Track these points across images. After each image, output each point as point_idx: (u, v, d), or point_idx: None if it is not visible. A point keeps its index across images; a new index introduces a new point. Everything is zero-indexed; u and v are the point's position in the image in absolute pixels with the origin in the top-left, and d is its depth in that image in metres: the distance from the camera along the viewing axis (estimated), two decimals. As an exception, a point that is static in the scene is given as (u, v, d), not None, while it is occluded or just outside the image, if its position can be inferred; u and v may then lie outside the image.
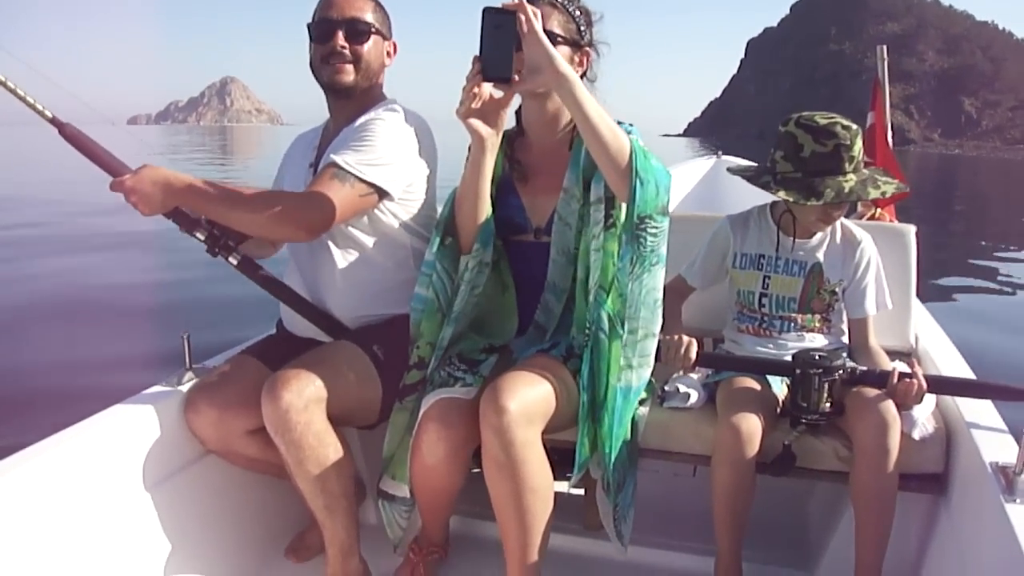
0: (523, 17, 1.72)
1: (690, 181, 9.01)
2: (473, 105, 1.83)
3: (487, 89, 1.81)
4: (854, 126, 2.17)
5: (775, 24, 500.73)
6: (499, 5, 1.73)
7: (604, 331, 1.99)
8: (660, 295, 1.99)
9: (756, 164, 2.41)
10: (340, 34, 2.17)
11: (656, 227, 1.93)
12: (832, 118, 2.17)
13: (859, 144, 2.17)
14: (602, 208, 2.01)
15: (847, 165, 2.15)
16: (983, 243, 15.09)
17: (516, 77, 1.79)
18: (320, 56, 2.20)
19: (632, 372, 1.98)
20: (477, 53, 1.76)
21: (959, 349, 2.56)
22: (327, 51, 2.18)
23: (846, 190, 2.14)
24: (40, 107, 1.95)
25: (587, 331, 2.00)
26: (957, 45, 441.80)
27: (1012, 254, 13.11)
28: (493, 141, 1.94)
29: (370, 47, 2.21)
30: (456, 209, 2.10)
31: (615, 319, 1.97)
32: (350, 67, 2.19)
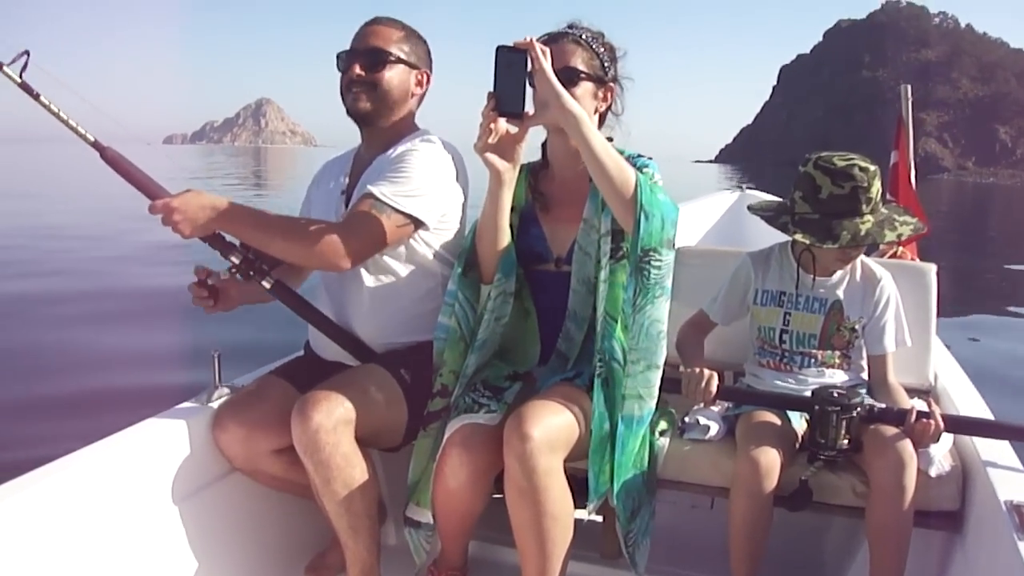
0: (533, 55, 1.82)
1: (714, 215, 9.00)
2: (490, 140, 1.91)
3: (502, 124, 1.89)
4: (872, 167, 2.19)
5: (808, 51, 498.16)
6: (511, 44, 1.83)
7: (618, 361, 2.03)
8: (664, 327, 2.02)
9: (779, 200, 2.43)
10: (358, 64, 2.23)
11: (660, 260, 1.97)
12: (850, 159, 2.19)
13: (877, 185, 2.20)
14: (610, 240, 2.06)
15: (864, 207, 2.17)
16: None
17: (529, 112, 1.88)
18: (343, 85, 2.27)
19: (635, 403, 2.01)
20: (491, 89, 1.85)
21: (977, 385, 2.57)
22: (346, 80, 2.26)
23: (862, 232, 2.17)
24: (83, 131, 2.02)
25: (601, 361, 2.03)
26: (992, 73, 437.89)
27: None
28: (510, 175, 2.00)
29: (391, 76, 2.25)
30: (477, 241, 2.16)
31: (626, 349, 2.01)
32: (367, 95, 2.25)
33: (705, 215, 8.76)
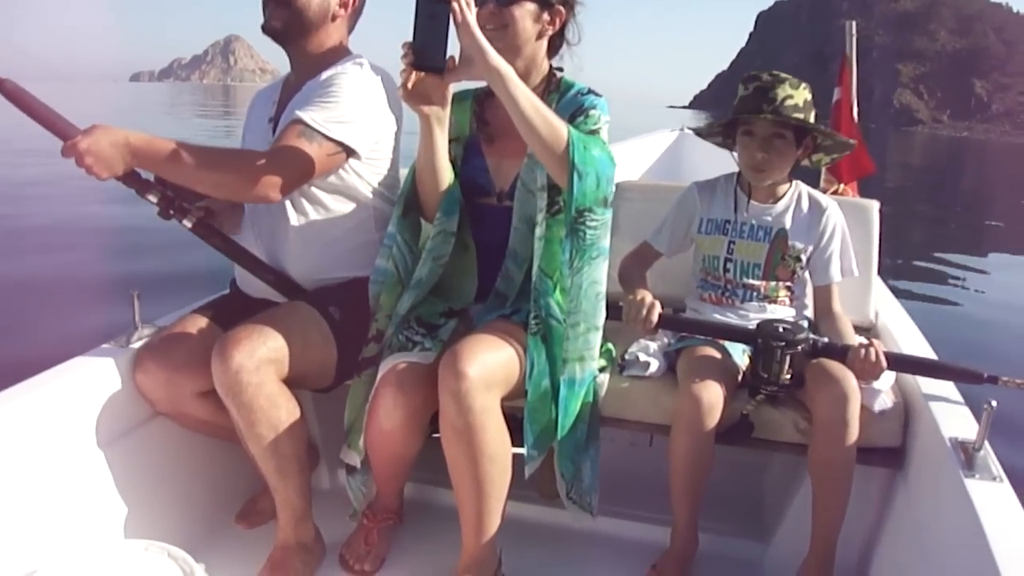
0: (456, 7, 1.70)
1: (654, 153, 9.07)
2: (411, 87, 1.80)
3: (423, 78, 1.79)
4: (787, 77, 2.18)
5: None
6: None
7: (556, 319, 1.99)
8: (602, 288, 1.97)
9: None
10: None
11: (596, 220, 1.90)
12: (772, 73, 2.20)
13: (786, 92, 2.15)
14: (546, 195, 1.97)
15: (765, 106, 2.15)
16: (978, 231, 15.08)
17: (449, 65, 1.78)
18: (262, 1, 2.14)
19: (576, 365, 1.96)
20: (410, 40, 1.73)
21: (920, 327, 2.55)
22: None
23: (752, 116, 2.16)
24: None
25: (537, 317, 1.97)
26: (970, 25, 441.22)
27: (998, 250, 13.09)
28: (439, 115, 1.91)
29: None
30: (417, 182, 2.07)
31: (565, 311, 1.95)
32: (280, 12, 2.11)
33: (646, 153, 8.86)
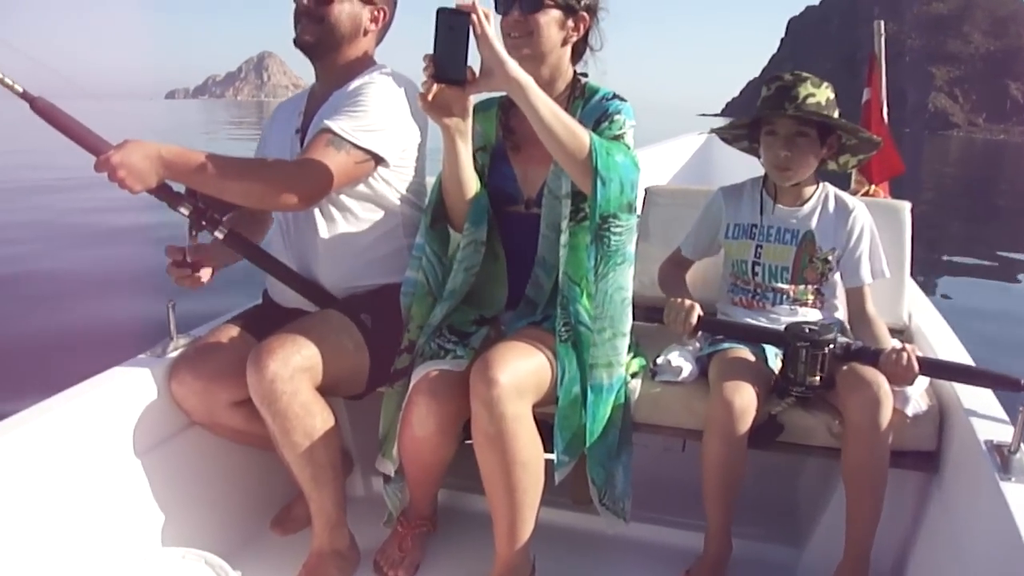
0: (475, 19, 1.71)
1: (682, 157, 9.02)
2: (431, 98, 1.80)
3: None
4: (808, 76, 2.18)
5: (816, 2, 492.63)
6: (453, 6, 1.72)
7: (585, 325, 1.99)
8: (628, 294, 1.98)
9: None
10: None
11: (621, 226, 1.91)
12: (794, 72, 2.20)
13: (808, 91, 2.15)
14: (570, 202, 1.98)
15: (787, 104, 2.14)
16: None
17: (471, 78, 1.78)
18: (293, 16, 2.17)
19: (604, 371, 1.96)
20: (431, 52, 1.74)
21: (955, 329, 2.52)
22: (296, 11, 2.16)
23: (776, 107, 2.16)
24: (10, 81, 1.85)
25: (566, 324, 1.98)
26: (1004, 27, 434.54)
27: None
28: (460, 127, 1.91)
29: (340, 10, 2.14)
30: (443, 193, 2.08)
31: (592, 317, 1.96)
32: (313, 27, 2.14)
33: (674, 157, 8.82)
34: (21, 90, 1.87)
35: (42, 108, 1.89)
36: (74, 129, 1.91)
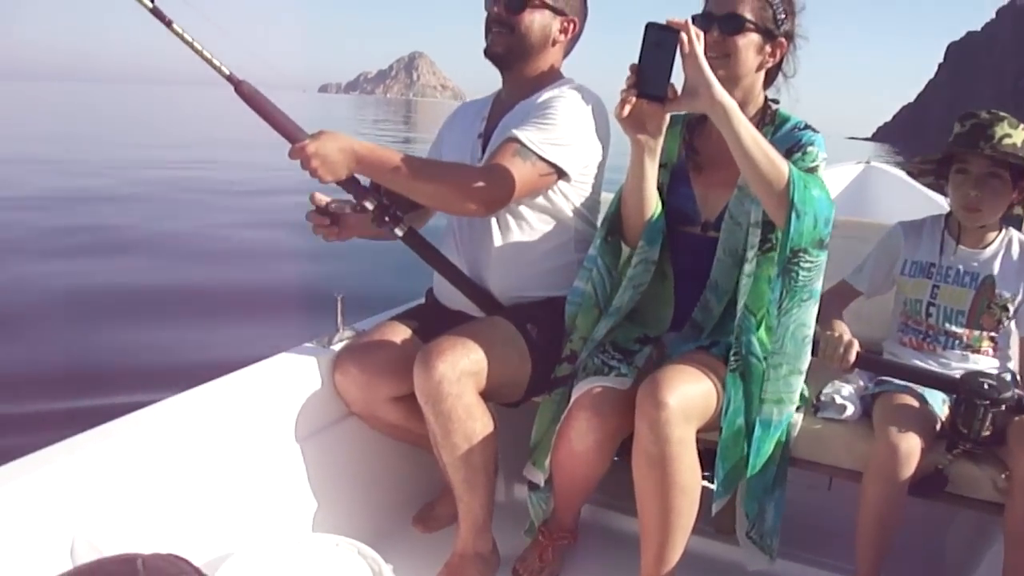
0: (685, 38, 1.69)
1: (838, 185, 8.84)
2: (628, 113, 1.78)
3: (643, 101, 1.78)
4: (1006, 116, 2.11)
5: (979, 28, 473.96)
6: (663, 22, 1.70)
7: (756, 357, 1.95)
8: (810, 332, 1.92)
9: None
10: (499, 3, 2.15)
11: (811, 261, 1.86)
12: (991, 111, 2.13)
13: (1004, 131, 2.08)
14: (759, 231, 1.95)
15: (983, 143, 2.07)
16: None
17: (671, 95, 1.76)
18: (485, 23, 2.19)
19: (774, 407, 1.92)
20: (635, 63, 1.73)
21: None
22: (488, 20, 2.18)
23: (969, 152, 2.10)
24: (217, 63, 1.91)
25: (736, 354, 1.95)
26: None
27: None
28: (652, 144, 1.89)
29: (531, 20, 2.15)
30: (622, 207, 2.07)
31: (769, 351, 1.92)
32: (504, 37, 2.16)
33: (829, 186, 8.58)
34: (228, 72, 1.93)
35: (246, 92, 1.95)
36: (273, 115, 1.97)
